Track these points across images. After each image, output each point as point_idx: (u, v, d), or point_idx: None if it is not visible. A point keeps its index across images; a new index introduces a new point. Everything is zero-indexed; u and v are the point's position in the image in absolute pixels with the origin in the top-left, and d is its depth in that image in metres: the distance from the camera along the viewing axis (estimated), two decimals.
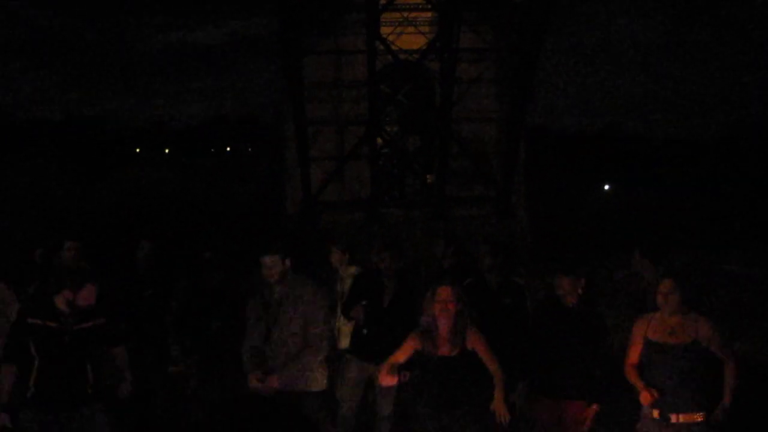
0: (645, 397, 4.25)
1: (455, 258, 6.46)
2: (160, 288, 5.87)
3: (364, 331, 5.35)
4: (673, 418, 4.10)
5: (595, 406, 4.63)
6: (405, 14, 13.04)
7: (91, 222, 20.02)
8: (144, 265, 6.06)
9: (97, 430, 4.32)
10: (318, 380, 4.73)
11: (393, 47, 12.74)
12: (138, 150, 62.61)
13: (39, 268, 6.39)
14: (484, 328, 4.59)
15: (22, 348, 4.17)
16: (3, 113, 60.22)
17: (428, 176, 14.87)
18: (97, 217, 22.16)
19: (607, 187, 41.36)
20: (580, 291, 4.74)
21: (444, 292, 4.45)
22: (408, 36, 13.29)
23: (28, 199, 27.48)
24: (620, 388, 4.60)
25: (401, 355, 4.57)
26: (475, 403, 4.54)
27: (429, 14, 13.31)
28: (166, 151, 65.47)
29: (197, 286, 5.77)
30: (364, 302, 5.42)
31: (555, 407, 4.70)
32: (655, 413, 4.14)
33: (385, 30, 12.85)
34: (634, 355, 4.32)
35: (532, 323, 5.08)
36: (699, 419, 4.09)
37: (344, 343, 5.94)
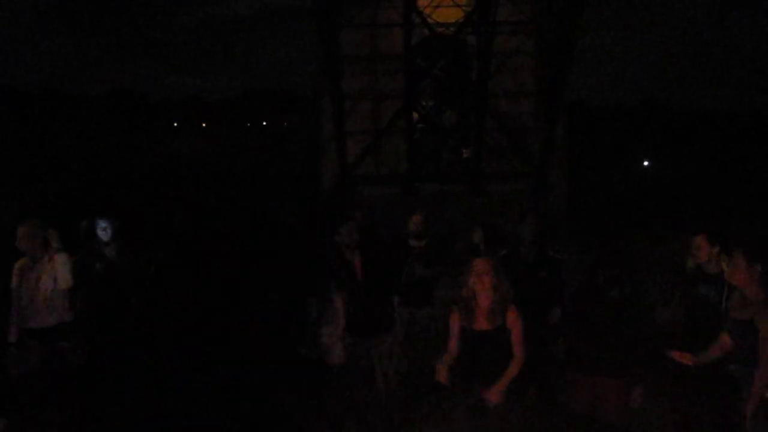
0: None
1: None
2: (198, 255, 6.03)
3: (350, 309, 5.45)
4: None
5: (639, 388, 4.53)
6: None
7: (130, 193, 20.38)
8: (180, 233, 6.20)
9: None
10: None
11: (429, 20, 12.63)
12: (175, 123, 63.25)
13: (82, 240, 6.53)
14: (518, 301, 4.59)
15: None
16: (46, 86, 61.32)
17: (464, 151, 14.78)
18: (136, 189, 22.53)
19: (646, 163, 40.61)
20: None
21: (480, 265, 4.44)
22: (445, 9, 13.15)
23: (69, 170, 28.05)
24: (664, 364, 4.55)
25: (454, 339, 4.55)
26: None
27: None
28: (204, 124, 66.03)
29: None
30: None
31: (591, 384, 4.65)
32: None
33: (421, 2, 12.73)
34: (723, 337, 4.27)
35: (572, 303, 5.03)
36: None
37: None
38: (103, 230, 6.04)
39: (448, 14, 12.94)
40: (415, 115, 14.00)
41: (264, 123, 67.80)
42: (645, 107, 58.58)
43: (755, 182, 25.67)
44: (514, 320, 4.45)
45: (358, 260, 5.46)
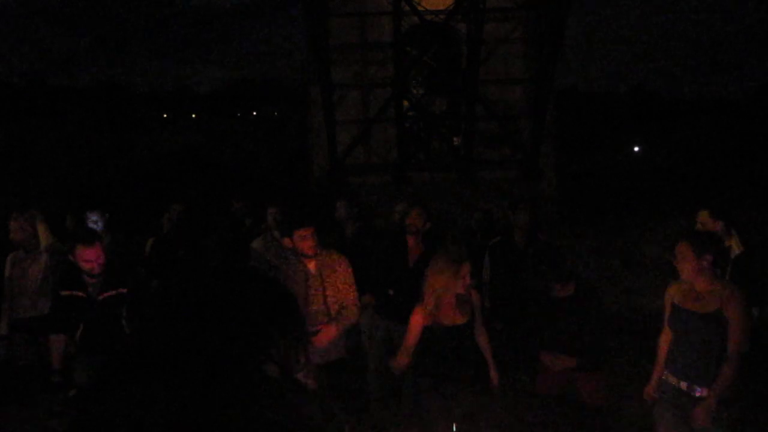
0: (646, 392, 4.13)
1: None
2: (191, 248, 5.99)
3: (390, 291, 5.39)
4: (698, 392, 3.81)
5: (598, 376, 4.48)
6: None
7: (121, 187, 20.29)
8: (175, 227, 6.17)
9: None
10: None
11: (419, 8, 12.58)
12: (165, 115, 62.90)
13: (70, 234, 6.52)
14: (513, 287, 4.56)
15: (66, 317, 4.47)
16: (34, 79, 60.84)
17: (455, 139, 14.78)
18: (126, 181, 22.43)
19: (636, 148, 40.76)
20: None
21: (467, 269, 4.30)
22: None
23: (58, 163, 27.88)
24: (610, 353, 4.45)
25: (412, 339, 4.44)
26: (478, 369, 4.46)
27: None
28: (193, 115, 65.69)
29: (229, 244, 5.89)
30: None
31: (563, 379, 4.56)
32: (683, 385, 3.87)
33: None
34: (665, 323, 4.08)
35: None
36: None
37: None
38: (94, 223, 6.01)
39: (438, 1, 12.88)
40: (406, 104, 13.98)
41: (254, 113, 67.51)
42: (635, 94, 58.71)
43: (745, 169, 25.80)
44: (475, 299, 4.42)
45: (417, 247, 5.39)
